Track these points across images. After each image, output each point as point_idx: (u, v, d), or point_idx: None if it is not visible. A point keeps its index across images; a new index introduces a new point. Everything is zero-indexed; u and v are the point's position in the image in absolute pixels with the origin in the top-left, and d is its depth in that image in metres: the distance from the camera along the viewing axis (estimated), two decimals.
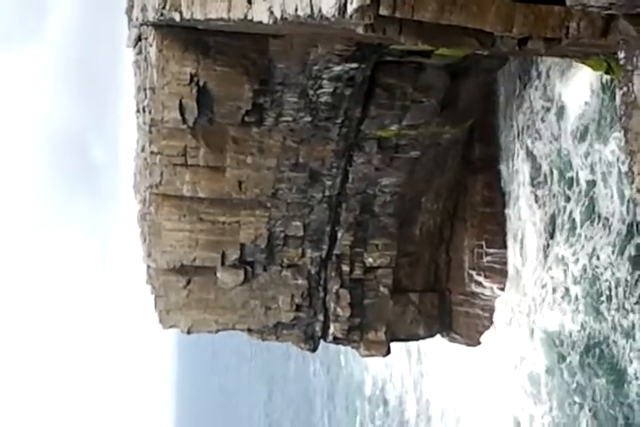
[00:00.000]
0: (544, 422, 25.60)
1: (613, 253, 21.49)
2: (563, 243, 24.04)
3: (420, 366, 37.36)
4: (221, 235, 24.74)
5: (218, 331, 26.40)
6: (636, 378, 20.58)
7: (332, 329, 26.81)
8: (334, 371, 54.42)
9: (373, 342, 27.42)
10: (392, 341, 27.84)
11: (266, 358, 79.05)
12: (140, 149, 24.82)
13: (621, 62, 10.07)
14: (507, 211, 27.20)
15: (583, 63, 18.86)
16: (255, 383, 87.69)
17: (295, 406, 68.93)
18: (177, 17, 18.61)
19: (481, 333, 28.19)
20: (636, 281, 20.66)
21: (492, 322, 27.97)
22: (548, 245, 24.95)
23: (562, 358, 24.26)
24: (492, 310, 27.84)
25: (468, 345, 28.84)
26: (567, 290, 23.84)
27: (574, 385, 23.61)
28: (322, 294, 26.56)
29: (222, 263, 25.09)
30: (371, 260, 26.70)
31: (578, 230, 23.30)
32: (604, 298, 21.97)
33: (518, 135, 26.44)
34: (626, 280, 21.02)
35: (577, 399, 23.47)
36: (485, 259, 27.25)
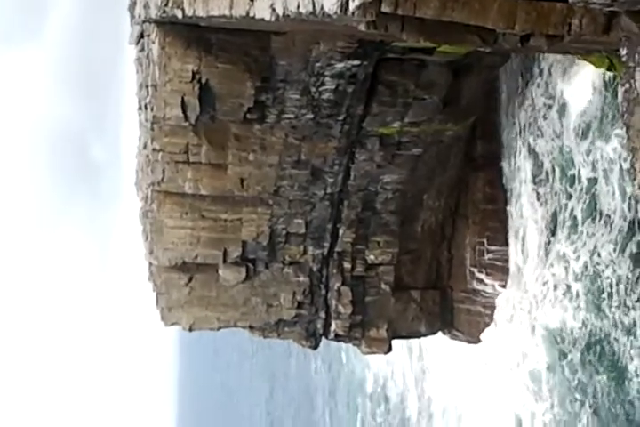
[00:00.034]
0: (545, 419, 25.63)
1: (615, 250, 21.50)
2: (564, 240, 24.05)
3: (421, 363, 37.39)
4: (223, 232, 24.78)
5: (219, 328, 26.44)
6: (637, 375, 20.60)
7: (333, 326, 26.84)
8: (335, 368, 54.46)
9: (375, 339, 27.45)
10: (393, 338, 27.88)
11: (267, 356, 79.11)
12: (142, 147, 24.84)
13: (623, 59, 10.07)
14: (508, 208, 27.20)
15: (585, 60, 18.86)
16: (256, 381, 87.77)
17: (296, 404, 69.00)
18: (179, 14, 18.62)
19: (482, 330, 28.22)
20: (638, 278, 20.67)
21: (493, 319, 27.99)
22: (549, 243, 24.96)
23: (563, 355, 24.28)
24: (493, 308, 27.85)
25: (470, 342, 28.86)
26: (568, 287, 23.86)
27: (575, 382, 23.63)
28: (323, 292, 26.58)
29: (224, 261, 25.13)
30: (372, 257, 26.72)
31: (579, 228, 23.31)
32: (605, 295, 21.99)
33: (520, 132, 26.44)
34: (627, 277, 21.03)
35: (578, 396, 23.50)
36: (487, 256, 27.25)
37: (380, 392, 44.29)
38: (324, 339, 27.45)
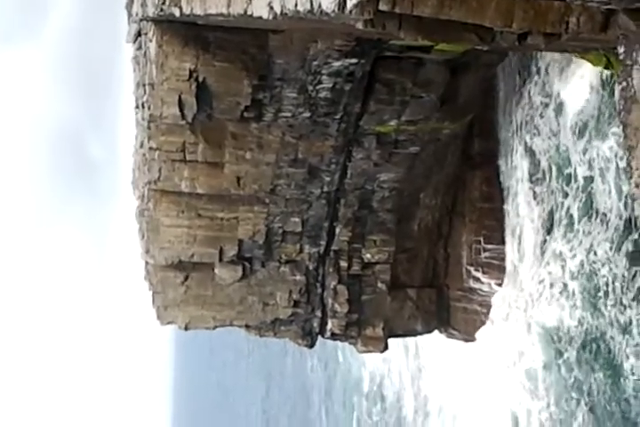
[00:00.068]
0: (541, 417, 25.67)
1: (611, 248, 21.54)
2: (560, 238, 24.09)
3: (417, 361, 37.41)
4: (219, 231, 24.76)
5: (215, 327, 26.42)
6: (633, 373, 20.64)
7: (329, 325, 26.85)
8: (332, 367, 54.47)
9: (371, 337, 27.46)
10: (390, 336, 27.89)
11: (263, 355, 79.08)
12: (139, 145, 24.81)
13: (621, 57, 10.07)
14: (505, 206, 27.24)
15: (583, 58, 18.90)
16: (253, 380, 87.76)
17: (292, 402, 68.99)
18: (177, 12, 18.61)
19: (478, 328, 28.27)
20: (633, 277, 20.71)
21: (489, 318, 28.03)
22: (545, 241, 25.00)
23: (559, 353, 24.33)
24: (489, 306, 27.90)
25: (466, 341, 28.90)
26: (564, 285, 23.90)
27: (571, 381, 23.67)
28: (320, 290, 26.59)
29: (220, 259, 25.12)
30: (369, 255, 26.74)
31: (576, 226, 23.35)
32: (601, 294, 22.03)
33: (517, 131, 26.47)
34: (623, 276, 21.07)
35: (574, 395, 23.54)
36: (483, 255, 27.28)
37: (376, 391, 44.31)
38: (320, 338, 27.45)
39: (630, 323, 20.80)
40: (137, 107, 24.31)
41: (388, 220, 26.40)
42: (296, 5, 12.55)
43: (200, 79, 21.51)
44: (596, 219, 22.32)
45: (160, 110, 21.96)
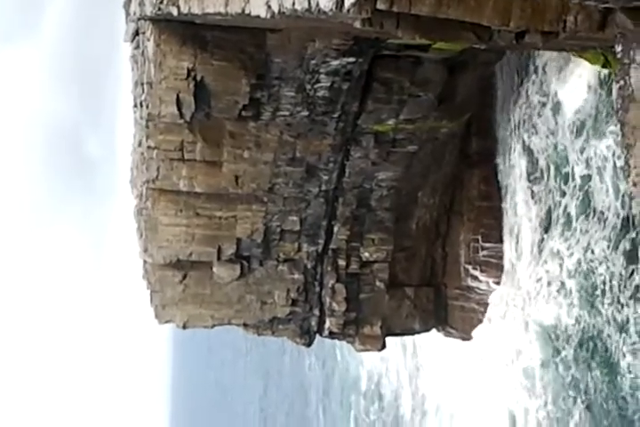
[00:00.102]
0: (539, 415, 25.72)
1: (608, 247, 21.58)
2: (558, 237, 24.13)
3: (415, 360, 37.44)
4: (218, 230, 24.76)
5: (214, 326, 26.42)
6: (630, 372, 20.68)
7: (327, 324, 26.86)
8: (330, 365, 54.50)
9: (369, 336, 27.47)
10: (387, 335, 27.91)
11: (261, 353, 79.08)
12: (137, 144, 24.80)
13: (618, 56, 10.11)
14: (503, 205, 27.26)
15: (580, 57, 18.94)
16: (251, 378, 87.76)
17: (290, 401, 69.02)
18: (174, 11, 18.61)
19: (476, 327, 28.30)
20: (631, 275, 20.75)
21: (486, 316, 28.06)
22: (543, 240, 25.04)
23: (557, 351, 24.36)
24: (487, 305, 27.93)
25: (464, 339, 28.93)
26: (562, 284, 23.94)
27: (569, 379, 23.71)
28: (318, 289, 26.60)
29: (218, 258, 25.11)
30: (367, 254, 26.75)
31: (573, 224, 23.39)
32: (598, 292, 22.07)
33: (515, 129, 26.49)
34: (620, 274, 21.11)
35: (571, 393, 23.59)
36: (481, 253, 27.31)
37: (373, 390, 44.34)
38: (318, 336, 27.46)
39: (627, 321, 20.84)
40: (135, 106, 24.29)
41: (387, 218, 26.41)
42: (294, 4, 12.57)
43: (198, 78, 21.51)
44: (593, 217, 22.36)
45: (158, 109, 21.95)
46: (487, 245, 27.27)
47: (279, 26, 19.60)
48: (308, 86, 22.09)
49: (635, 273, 20.53)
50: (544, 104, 24.75)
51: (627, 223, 20.84)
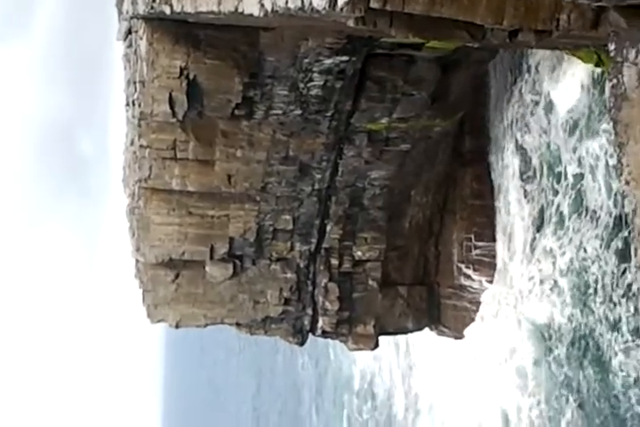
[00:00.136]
0: (531, 414, 25.76)
1: (601, 246, 21.63)
2: (551, 235, 24.18)
3: (408, 359, 37.47)
4: (210, 229, 24.73)
5: (206, 325, 26.40)
6: (622, 370, 20.74)
7: (320, 323, 26.85)
8: (323, 364, 54.51)
9: (362, 335, 27.48)
10: (380, 334, 27.92)
11: (254, 352, 79.05)
12: (130, 143, 24.75)
13: (611, 54, 10.12)
14: (496, 204, 27.30)
15: (573, 55, 18.96)
16: (243, 377, 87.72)
17: (283, 400, 69.01)
18: (167, 10, 18.57)
19: (469, 326, 28.34)
20: (623, 273, 20.81)
21: (479, 315, 28.11)
22: (535, 239, 25.09)
23: (549, 350, 24.41)
24: (480, 303, 27.97)
25: (457, 338, 28.97)
26: (555, 282, 23.99)
27: (561, 378, 23.77)
28: (310, 288, 26.59)
29: (211, 257, 25.08)
30: (360, 253, 26.75)
31: (566, 223, 23.44)
32: (590, 291, 22.12)
33: (508, 128, 26.54)
34: (612, 273, 21.16)
35: (563, 391, 23.64)
36: (474, 252, 27.34)
37: (366, 389, 44.36)
38: (310, 335, 27.46)
39: (619, 320, 20.89)
40: (127, 104, 24.24)
41: (379, 217, 26.42)
42: (287, 3, 12.57)
43: (191, 77, 21.48)
44: (585, 216, 22.42)
45: (151, 108, 21.91)
46: (480, 243, 27.31)
47: (272, 24, 19.58)
48: (302, 85, 22.08)
49: (627, 271, 20.59)
50: (537, 103, 24.80)
51: (619, 222, 20.90)
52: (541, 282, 24.75)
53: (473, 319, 28.20)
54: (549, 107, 24.18)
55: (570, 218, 23.23)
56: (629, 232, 20.43)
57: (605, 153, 21.37)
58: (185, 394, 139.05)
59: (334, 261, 26.59)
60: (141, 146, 23.29)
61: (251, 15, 14.29)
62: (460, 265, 27.62)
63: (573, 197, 23.05)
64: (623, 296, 20.80)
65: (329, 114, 23.11)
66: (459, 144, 27.42)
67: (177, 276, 25.30)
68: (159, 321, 26.08)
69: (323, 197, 25.35)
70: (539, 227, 24.90)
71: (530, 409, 25.85)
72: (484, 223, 27.31)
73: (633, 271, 20.14)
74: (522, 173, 25.81)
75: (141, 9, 20.22)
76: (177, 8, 18.08)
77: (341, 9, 11.01)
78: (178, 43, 21.05)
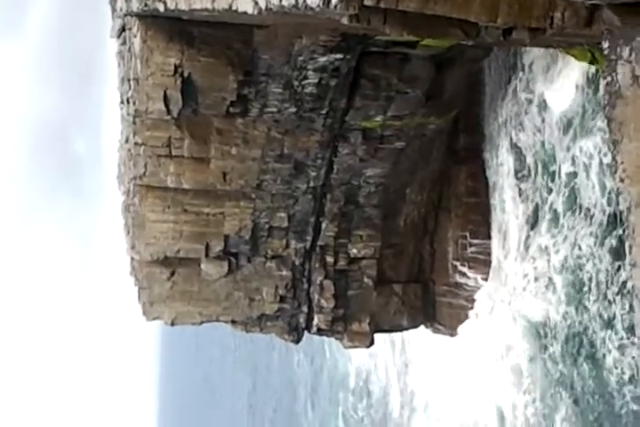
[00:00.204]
0: (526, 411, 25.81)
1: (595, 243, 21.67)
2: (545, 233, 24.21)
3: (404, 356, 37.49)
4: (206, 226, 24.70)
5: (202, 323, 26.38)
6: (616, 367, 20.79)
7: (315, 320, 26.85)
8: (318, 362, 54.52)
9: (357, 333, 27.49)
10: (376, 332, 27.93)
11: (250, 350, 79.01)
12: (124, 141, 24.70)
13: (605, 52, 10.13)
14: (491, 201, 27.33)
15: (567, 53, 18.98)
16: (239, 375, 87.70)
17: (279, 397, 69.02)
18: (161, 7, 18.55)
19: (464, 323, 28.38)
20: (617, 271, 20.84)
21: (474, 313, 28.13)
22: (530, 237, 25.12)
23: (544, 347, 24.45)
24: (475, 301, 28.00)
25: (452, 336, 29.00)
26: (549, 280, 24.03)
27: (556, 375, 23.81)
28: (306, 286, 26.59)
29: (206, 255, 25.04)
30: (355, 251, 26.75)
31: (560, 221, 23.48)
32: (585, 288, 22.16)
33: (503, 126, 26.56)
34: (607, 270, 21.20)
35: (558, 389, 23.68)
36: (469, 250, 27.37)
37: (362, 386, 44.36)
38: (306, 333, 27.46)
39: (614, 317, 20.93)
40: (122, 102, 24.19)
41: (374, 215, 26.43)
42: (281, 0, 12.56)
43: (185, 74, 21.45)
44: (580, 214, 22.46)
45: (145, 105, 21.88)
46: (475, 241, 27.33)
47: (266, 22, 19.57)
48: (296, 83, 22.07)
49: (621, 269, 20.62)
50: (531, 101, 24.84)
51: (613, 220, 20.94)
52: (536, 279, 24.79)
53: (468, 317, 28.23)
54: (543, 105, 24.21)
55: (564, 216, 23.27)
56: (624, 230, 20.44)
57: (599, 152, 21.41)
58: (180, 391, 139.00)
59: (329, 259, 26.59)
60: (136, 143, 23.25)
61: (245, 13, 14.28)
62: (455, 263, 27.65)
63: (567, 195, 23.10)
64: (618, 294, 20.84)
65: (323, 112, 23.11)
66: (453, 142, 27.44)
67: (172, 273, 25.26)
68: (155, 319, 26.04)
69: (318, 194, 25.34)
70: (533, 225, 24.94)
71: (525, 406, 25.89)
72: (479, 221, 27.34)
73: (627, 269, 20.16)
74: (516, 172, 25.84)
75: (135, 6, 20.19)
76: (171, 5, 18.06)
77: (335, 6, 11.02)
78: (172, 40, 21.01)
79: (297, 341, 27.54)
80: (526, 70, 24.94)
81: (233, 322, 26.51)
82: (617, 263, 20.81)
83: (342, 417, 48.25)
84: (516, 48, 24.37)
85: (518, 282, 25.79)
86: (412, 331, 29.88)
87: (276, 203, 25.03)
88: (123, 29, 22.83)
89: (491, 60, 26.14)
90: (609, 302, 21.18)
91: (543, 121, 24.24)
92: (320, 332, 27.42)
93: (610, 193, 20.99)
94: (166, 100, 21.75)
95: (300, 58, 21.22)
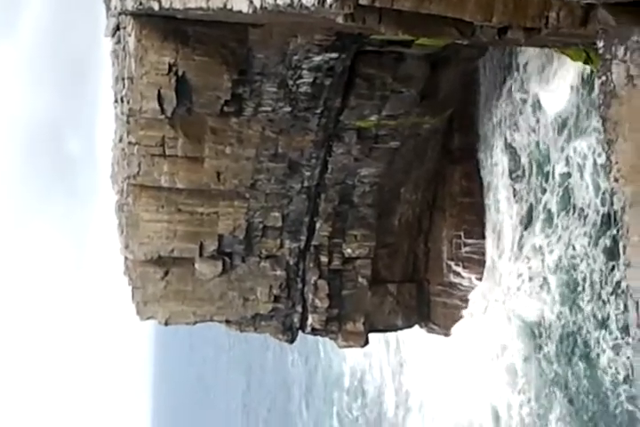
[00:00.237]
0: (522, 411, 25.83)
1: (589, 243, 21.69)
2: (539, 233, 24.22)
3: (398, 356, 37.49)
4: (200, 226, 24.65)
5: (196, 322, 26.32)
6: (610, 367, 20.81)
7: (310, 320, 26.82)
8: (313, 362, 54.50)
9: (352, 332, 27.47)
10: (370, 331, 27.91)
11: (244, 350, 78.94)
12: (118, 140, 24.62)
13: (600, 52, 10.12)
14: (486, 201, 27.34)
15: (562, 53, 18.98)
16: (233, 374, 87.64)
17: (273, 397, 68.98)
18: (156, 6, 18.50)
19: (458, 323, 28.37)
20: (611, 271, 20.85)
21: (469, 312, 28.14)
22: (523, 237, 25.14)
23: (539, 347, 24.47)
24: (469, 301, 28.00)
25: (446, 335, 28.99)
26: (543, 280, 24.05)
27: (551, 375, 23.82)
28: (300, 285, 26.55)
29: (200, 254, 24.99)
30: (349, 250, 26.72)
31: (554, 221, 23.50)
32: (579, 288, 22.18)
33: (497, 126, 26.57)
34: (601, 270, 21.22)
35: (553, 388, 23.70)
36: (464, 249, 27.37)
37: (357, 386, 44.35)
38: (300, 333, 27.42)
39: (608, 318, 20.95)
40: (116, 101, 24.12)
41: (369, 215, 26.40)
42: None
43: (179, 73, 21.40)
44: (573, 214, 22.48)
45: (139, 105, 21.82)
46: (469, 241, 27.34)
47: (261, 21, 19.53)
48: (291, 82, 22.03)
49: (615, 269, 20.63)
50: (525, 101, 24.85)
51: (607, 220, 20.96)
52: (530, 279, 24.80)
53: (462, 317, 28.23)
54: (538, 106, 24.23)
55: (558, 216, 23.29)
56: (617, 230, 20.48)
57: (593, 152, 21.44)
58: (174, 391, 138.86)
59: (324, 259, 26.56)
60: (130, 143, 23.18)
61: (239, 12, 14.25)
62: (449, 262, 27.65)
63: (561, 195, 23.13)
64: (612, 294, 20.87)
65: (318, 111, 23.07)
66: (448, 141, 27.44)
67: (166, 273, 25.20)
68: (148, 318, 25.97)
69: (312, 194, 25.30)
70: (527, 225, 24.96)
71: (520, 406, 25.92)
72: (474, 221, 27.35)
73: (621, 269, 20.18)
74: (511, 172, 25.85)
75: (130, 5, 20.14)
76: (165, 4, 18.01)
77: (330, 5, 11.00)
78: (166, 39, 20.96)
79: (291, 340, 27.50)
80: (521, 70, 24.95)
81: (227, 322, 26.46)
82: (611, 263, 20.83)
83: (337, 417, 48.24)
84: (511, 48, 24.37)
85: (512, 282, 25.80)
86: (406, 331, 29.87)
87: (270, 202, 24.98)
88: (117, 28, 22.75)
89: (486, 59, 26.15)
90: (603, 301, 21.20)
91: (538, 121, 24.27)
92: (314, 331, 27.39)
93: (604, 193, 21.01)
94: (160, 99, 21.69)
95: (295, 57, 21.19)
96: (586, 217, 21.86)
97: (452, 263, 27.60)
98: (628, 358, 20.14)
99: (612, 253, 20.72)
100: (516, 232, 25.56)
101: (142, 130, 22.74)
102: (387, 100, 23.33)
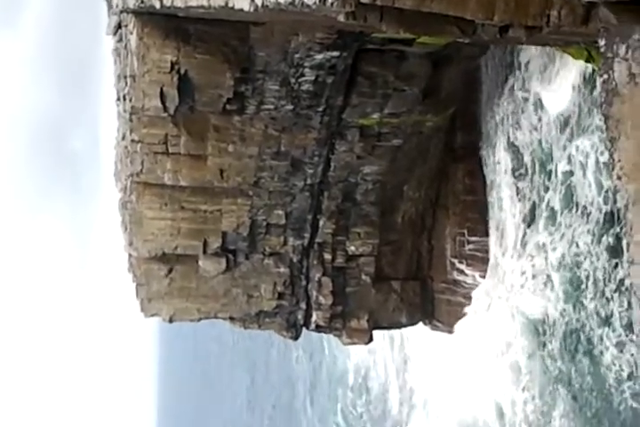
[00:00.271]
0: (525, 408, 25.83)
1: (592, 241, 21.67)
2: (542, 231, 24.21)
3: (402, 353, 37.50)
4: (203, 223, 24.69)
5: (200, 319, 26.37)
6: (614, 364, 20.80)
7: (314, 317, 26.86)
8: (317, 358, 54.54)
9: (356, 329, 27.50)
10: (374, 329, 27.94)
11: (248, 346, 79.04)
12: (121, 138, 24.67)
13: (602, 50, 10.10)
14: (489, 199, 27.33)
15: (564, 52, 18.94)
16: (238, 371, 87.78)
17: (277, 394, 69.07)
18: (157, 4, 18.49)
19: (462, 320, 28.38)
20: (614, 269, 20.84)
21: (473, 310, 28.13)
22: (527, 235, 25.12)
23: (542, 344, 24.46)
24: (473, 298, 28.00)
25: (450, 333, 29.00)
26: (547, 277, 24.03)
27: (555, 372, 23.82)
28: (304, 283, 26.58)
29: (204, 252, 25.04)
30: (353, 248, 26.74)
31: (557, 219, 23.47)
32: (582, 286, 22.17)
33: (500, 124, 26.53)
34: (604, 268, 21.20)
35: (557, 385, 23.70)
36: (467, 247, 27.37)
37: (361, 383, 44.37)
38: (304, 330, 27.46)
39: (612, 315, 20.93)
40: (118, 99, 24.13)
41: (372, 212, 26.42)
42: None
43: (182, 71, 21.41)
44: (576, 212, 22.46)
45: (142, 102, 21.83)
46: (473, 238, 27.33)
47: (262, 19, 19.53)
48: (293, 80, 22.03)
49: (619, 266, 20.62)
50: (527, 100, 24.82)
51: (610, 218, 20.94)
52: (534, 277, 24.79)
53: (466, 314, 28.23)
54: (540, 104, 24.19)
55: (561, 214, 23.27)
56: (621, 228, 20.45)
57: (596, 150, 21.41)
58: (179, 388, 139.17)
59: (327, 256, 26.58)
60: (133, 140, 23.22)
61: (241, 10, 14.24)
62: (453, 260, 27.65)
63: (564, 193, 23.10)
64: (615, 291, 20.84)
65: (320, 109, 23.08)
66: (450, 139, 27.42)
67: (170, 270, 25.26)
68: (153, 315, 26.04)
69: (315, 191, 25.32)
70: (530, 223, 24.94)
71: (524, 403, 25.92)
72: (477, 219, 27.34)
73: (625, 266, 20.15)
74: (514, 170, 25.84)
75: (131, 3, 20.14)
76: (167, 2, 18.00)
77: (332, 4, 10.98)
78: (168, 37, 20.98)
79: (295, 337, 27.55)
80: (523, 69, 24.91)
81: (231, 319, 26.52)
82: (614, 261, 20.81)
83: (341, 413, 48.29)
84: (512, 46, 24.32)
85: (516, 279, 25.79)
86: (410, 328, 29.88)
87: (273, 200, 25.02)
88: (119, 26, 22.77)
89: (487, 58, 26.12)
90: (607, 299, 21.18)
91: (540, 120, 24.23)
92: (318, 329, 27.44)
93: (606, 191, 20.99)
94: (163, 97, 21.71)
95: (297, 55, 21.19)
96: (589, 215, 21.83)
97: (456, 261, 27.59)
98: (632, 355, 20.15)
99: (615, 251, 20.70)
100: (519, 230, 25.54)
101: (145, 128, 22.78)
102: (389, 99, 23.33)
